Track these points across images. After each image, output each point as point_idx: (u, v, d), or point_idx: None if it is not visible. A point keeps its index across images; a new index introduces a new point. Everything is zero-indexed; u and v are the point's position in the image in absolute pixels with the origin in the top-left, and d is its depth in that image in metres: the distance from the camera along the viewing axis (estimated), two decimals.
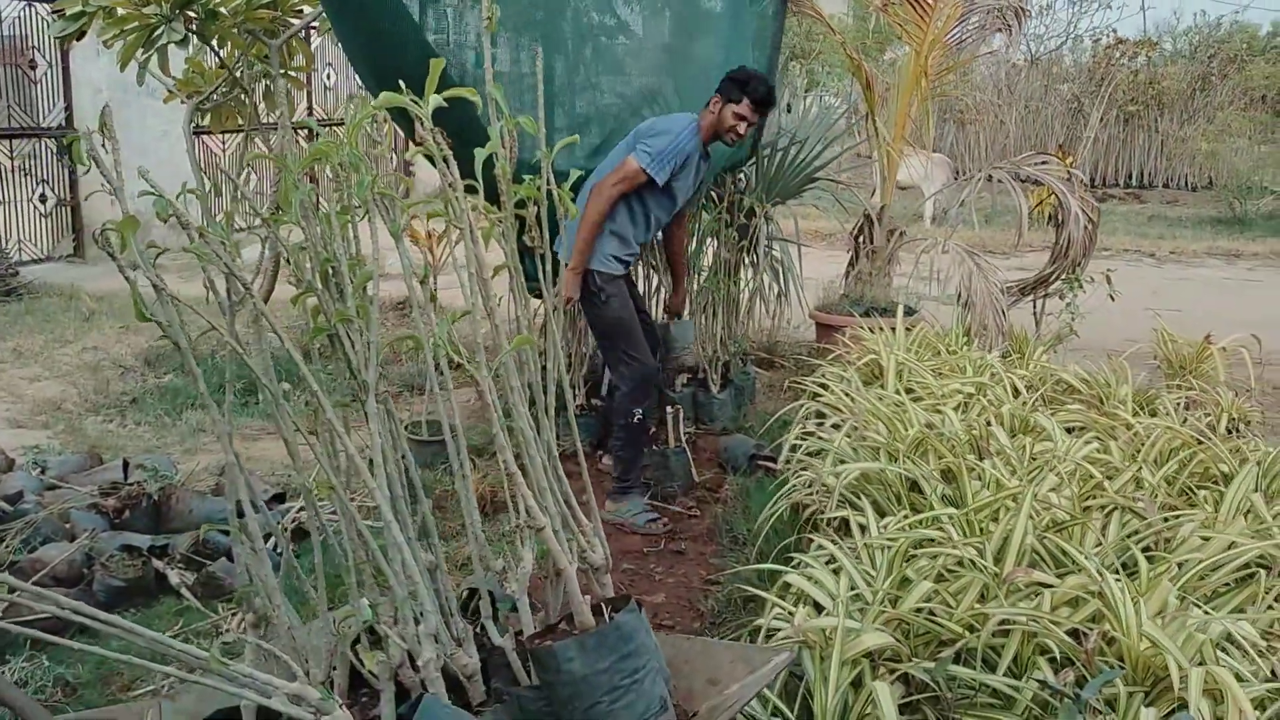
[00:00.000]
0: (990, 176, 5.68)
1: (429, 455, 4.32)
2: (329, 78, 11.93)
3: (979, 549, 2.44)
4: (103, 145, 1.59)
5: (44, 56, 9.10)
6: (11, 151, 8.95)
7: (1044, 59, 17.67)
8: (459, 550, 3.54)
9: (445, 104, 1.52)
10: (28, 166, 9.14)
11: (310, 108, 11.66)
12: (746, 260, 5.62)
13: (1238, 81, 17.49)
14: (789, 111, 12.77)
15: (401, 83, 1.57)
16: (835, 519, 2.93)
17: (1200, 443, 3.22)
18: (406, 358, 5.91)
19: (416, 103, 1.51)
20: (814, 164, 5.84)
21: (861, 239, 6.30)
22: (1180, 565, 2.42)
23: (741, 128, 3.97)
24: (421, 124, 1.50)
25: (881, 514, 2.85)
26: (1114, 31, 17.90)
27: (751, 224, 5.53)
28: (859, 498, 2.93)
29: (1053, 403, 3.88)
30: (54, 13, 5.58)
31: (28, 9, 8.86)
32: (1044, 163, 5.58)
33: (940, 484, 2.91)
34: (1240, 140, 16.47)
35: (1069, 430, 3.50)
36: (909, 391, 3.77)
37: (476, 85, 3.97)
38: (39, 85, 9.14)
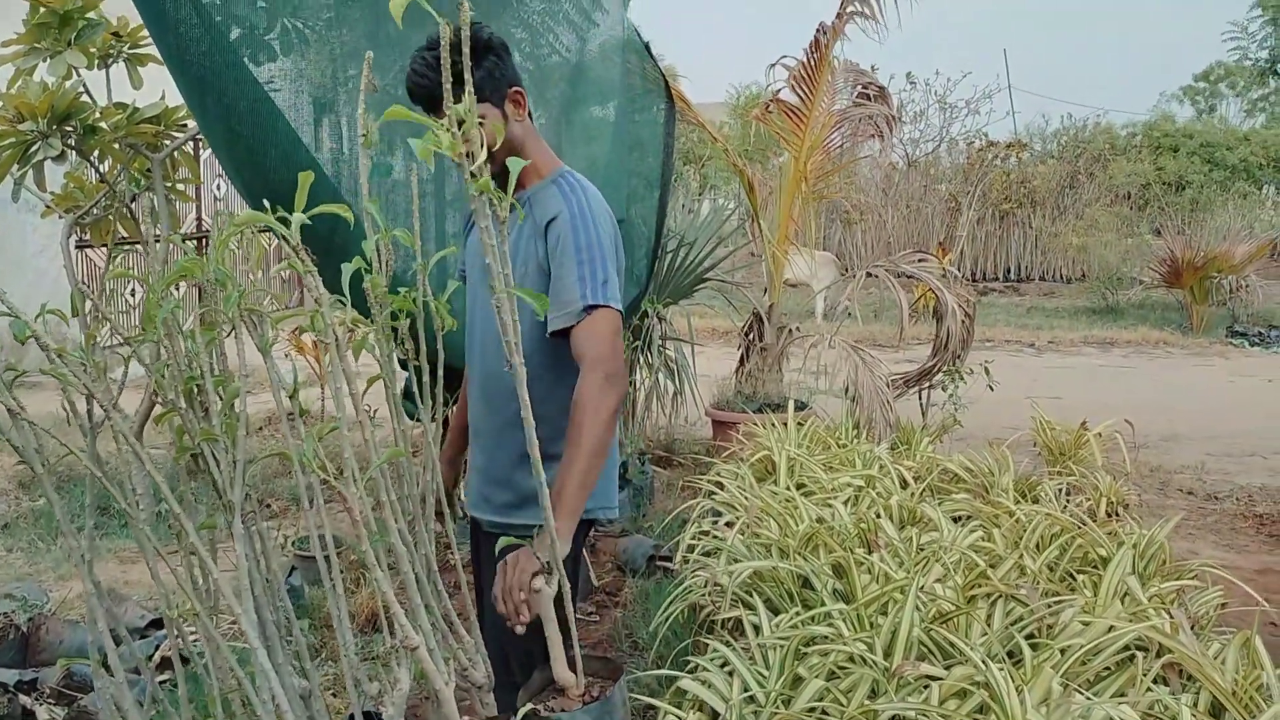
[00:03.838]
0: (871, 274, 5.87)
1: (317, 571, 4.18)
2: (219, 189, 11.83)
3: (868, 644, 2.45)
4: None
5: None
6: None
7: (921, 161, 18.52)
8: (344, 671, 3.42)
9: (310, 221, 1.52)
10: None
11: (199, 220, 11.51)
12: (641, 360, 5.68)
13: (1102, 179, 18.57)
14: (684, 211, 13.06)
15: (266, 201, 1.56)
16: (729, 619, 2.92)
17: (1080, 528, 3.32)
18: (294, 471, 5.77)
19: (283, 220, 1.51)
20: (704, 264, 5.98)
21: (752, 336, 6.43)
22: (1063, 651, 2.47)
23: None
24: (286, 241, 1.49)
25: (775, 612, 2.85)
26: (985, 135, 18.90)
27: (645, 324, 5.61)
28: (752, 596, 2.93)
29: (939, 492, 3.97)
30: None
31: None
32: (922, 260, 5.81)
33: (831, 579, 2.93)
34: (1108, 234, 17.40)
35: (955, 519, 3.57)
36: (800, 486, 3.82)
37: (372, 191, 3.98)
38: None
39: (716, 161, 20.05)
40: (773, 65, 6.29)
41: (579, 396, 2.05)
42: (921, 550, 3.16)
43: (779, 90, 6.23)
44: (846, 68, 6.22)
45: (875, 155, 6.78)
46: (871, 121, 6.07)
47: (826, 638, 2.51)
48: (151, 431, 4.31)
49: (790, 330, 6.25)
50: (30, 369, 1.64)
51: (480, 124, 1.71)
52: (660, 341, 5.75)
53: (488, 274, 1.55)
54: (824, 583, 2.89)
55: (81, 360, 1.60)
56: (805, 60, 5.85)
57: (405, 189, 4.10)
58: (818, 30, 5.82)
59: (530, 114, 2.36)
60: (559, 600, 1.71)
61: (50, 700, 3.26)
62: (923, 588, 2.66)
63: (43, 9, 4.94)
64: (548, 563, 1.70)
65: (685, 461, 6.14)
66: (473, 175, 1.61)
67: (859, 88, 6.23)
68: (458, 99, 1.55)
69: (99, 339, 2.04)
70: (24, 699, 3.19)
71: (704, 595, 3.22)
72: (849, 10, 5.79)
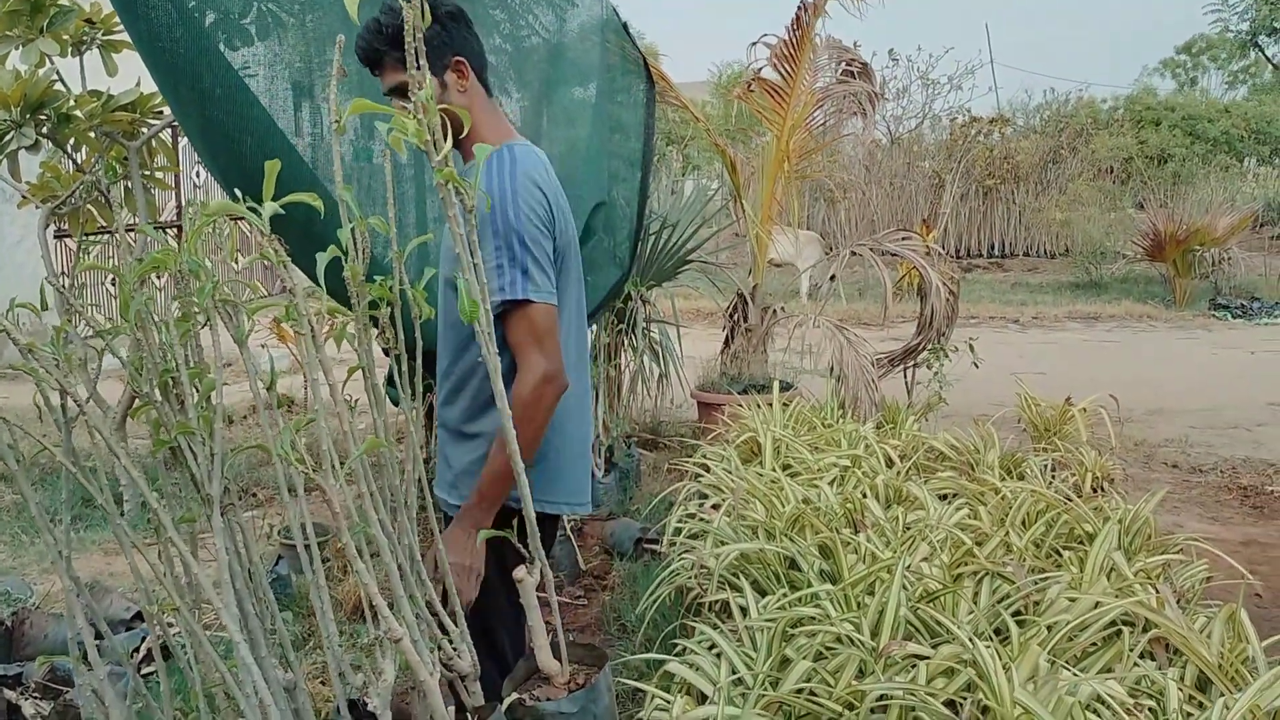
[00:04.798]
0: (855, 253, 5.87)
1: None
2: (198, 175, 11.74)
3: (855, 624, 2.45)
4: None
5: None
6: None
7: (904, 138, 18.51)
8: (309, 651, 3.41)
9: (283, 210, 1.49)
10: None
11: (179, 207, 11.42)
12: (626, 343, 5.67)
13: (1085, 154, 18.59)
14: (668, 193, 13.04)
15: (239, 192, 1.54)
16: (717, 602, 2.92)
17: (1065, 504, 3.33)
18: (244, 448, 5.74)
19: (255, 210, 1.49)
20: (687, 246, 5.96)
21: (736, 317, 6.42)
22: (1049, 628, 2.47)
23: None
24: (261, 232, 1.47)
25: (762, 593, 2.85)
26: (968, 111, 18.90)
27: (629, 307, 5.59)
28: (739, 578, 2.93)
29: (925, 471, 3.97)
30: None
31: None
32: (905, 238, 5.80)
33: (818, 560, 2.93)
34: (1091, 209, 17.44)
35: (941, 498, 3.58)
36: (786, 468, 3.82)
37: (347, 174, 3.92)
38: None
39: (699, 141, 19.99)
40: (754, 43, 6.25)
41: (513, 398, 2.02)
42: (908, 529, 3.17)
43: (760, 69, 6.20)
44: (829, 45, 6.19)
45: (858, 133, 6.75)
46: (854, 99, 6.04)
47: (814, 618, 2.51)
48: (134, 423, 4.27)
49: (775, 311, 6.24)
50: (14, 361, 1.62)
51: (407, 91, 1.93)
52: (644, 324, 5.73)
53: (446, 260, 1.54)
54: (811, 564, 2.89)
55: (54, 354, 1.58)
56: (787, 38, 5.82)
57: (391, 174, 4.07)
58: (799, 7, 5.79)
59: (488, 88, 2.32)
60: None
61: (35, 695, 3.24)
62: (909, 567, 2.67)
63: None
64: (530, 552, 1.69)
65: (671, 444, 6.14)
66: (436, 165, 1.58)
67: (842, 65, 6.20)
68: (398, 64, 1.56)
69: (79, 330, 2.02)
70: (9, 694, 3.17)
71: (691, 578, 3.21)
72: None
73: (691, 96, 6.31)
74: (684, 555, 3.36)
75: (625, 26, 4.75)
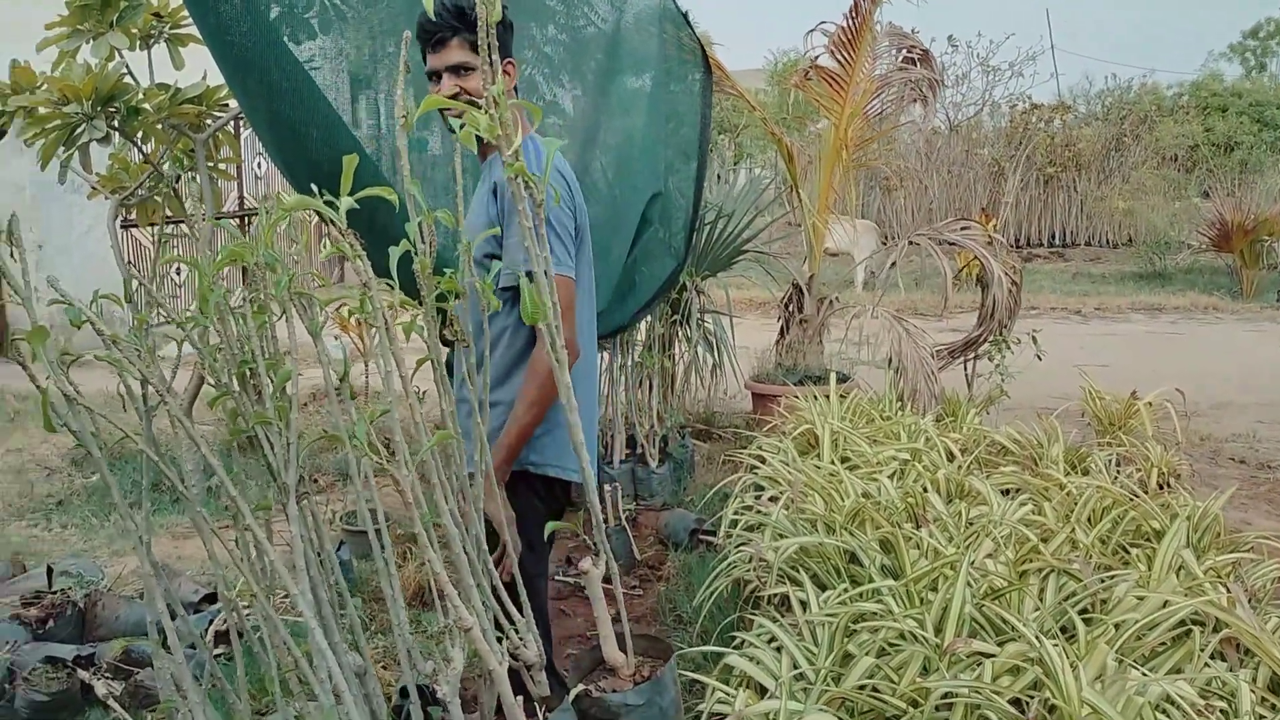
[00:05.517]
0: (914, 242, 5.80)
1: (365, 546, 4.23)
2: (260, 167, 11.91)
3: (919, 620, 2.44)
4: (11, 255, 1.56)
5: None
6: None
7: (963, 125, 18.25)
8: (395, 645, 3.46)
9: (358, 205, 1.51)
10: None
11: (241, 198, 11.60)
12: (679, 333, 5.66)
13: (1149, 141, 18.20)
14: (722, 183, 12.98)
15: (314, 185, 1.56)
16: (776, 595, 2.91)
17: (1132, 500, 3.27)
18: (340, 446, 5.83)
19: (332, 205, 1.51)
20: (743, 235, 5.93)
21: (791, 308, 6.38)
22: (1117, 626, 2.44)
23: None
24: (335, 225, 1.49)
25: (822, 588, 2.84)
26: (1029, 98, 18.57)
27: (683, 297, 5.59)
28: (799, 572, 2.92)
29: (987, 465, 3.93)
30: None
31: None
32: (966, 228, 5.73)
33: (879, 555, 2.91)
34: (1155, 198, 17.08)
35: (1004, 493, 3.53)
36: (845, 460, 3.79)
37: (411, 167, 3.96)
38: None
39: (752, 130, 19.87)
40: (811, 31, 6.20)
41: (530, 360, 2.31)
42: (971, 525, 3.14)
43: (818, 56, 6.15)
44: (888, 31, 6.12)
45: (918, 121, 6.67)
46: (914, 86, 5.97)
47: (876, 614, 2.49)
48: (197, 406, 4.35)
49: (831, 301, 6.19)
50: (82, 348, 1.66)
51: (468, 73, 2.35)
52: (699, 314, 5.72)
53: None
54: (872, 558, 2.87)
55: (136, 344, 1.61)
56: (845, 25, 5.76)
57: (445, 164, 4.08)
58: None
59: (515, 88, 2.54)
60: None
61: (108, 675, 3.33)
62: (973, 563, 2.64)
63: None
64: (596, 544, 1.70)
65: (725, 435, 6.13)
66: (503, 160, 1.59)
67: (902, 52, 6.13)
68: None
69: (149, 319, 2.06)
70: (82, 674, 3.26)
71: (749, 571, 3.21)
72: None
73: (745, 85, 6.26)
74: (741, 547, 3.36)
75: (685, 16, 4.74)
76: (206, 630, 3.29)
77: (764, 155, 18.01)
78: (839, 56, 5.81)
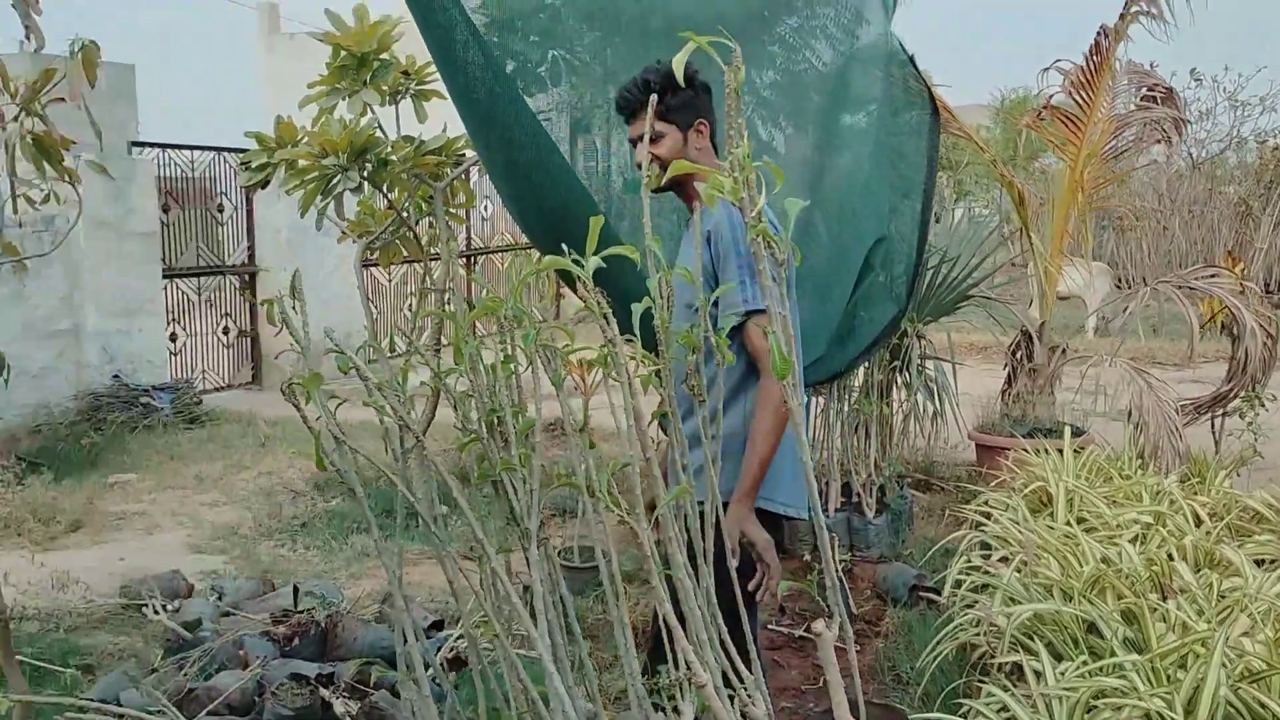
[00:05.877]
0: (1156, 289, 5.47)
1: (580, 583, 4.33)
2: (486, 209, 12.51)
3: (1167, 701, 2.28)
4: (293, 307, 1.70)
5: (230, 200, 9.85)
6: (199, 288, 9.65)
7: (1206, 163, 17.09)
8: (612, 683, 3.51)
9: (599, 261, 1.57)
10: (213, 300, 9.84)
11: (469, 239, 12.22)
12: (899, 379, 5.53)
13: None
14: (937, 222, 12.64)
15: (565, 246, 1.62)
16: (1006, 663, 2.78)
17: None
18: (558, 482, 6.00)
19: (579, 263, 1.57)
20: (968, 280, 5.76)
21: (1020, 355, 6.13)
22: None
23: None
24: (582, 284, 1.54)
25: (1058, 658, 2.70)
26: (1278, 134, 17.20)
27: (903, 343, 5.46)
28: (1032, 639, 2.78)
29: (1239, 533, 3.64)
30: (241, 163, 6.07)
31: (218, 158, 9.64)
32: (1213, 275, 5.35)
33: (1121, 626, 2.74)
34: None
35: (1259, 563, 3.26)
36: (1080, 521, 3.60)
37: (620, 207, 4.05)
38: (225, 227, 9.87)
39: (973, 168, 19.28)
40: (1046, 69, 5.99)
41: (760, 390, 2.52)
42: (1223, 598, 2.91)
43: (1052, 95, 5.92)
44: (1128, 69, 5.83)
45: (1161, 161, 6.30)
46: (1157, 126, 5.65)
47: (1119, 691, 2.35)
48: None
49: (1063, 350, 5.91)
50: (328, 375, 1.77)
51: (659, 139, 2.65)
52: (919, 360, 5.57)
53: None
54: (1113, 630, 2.70)
55: (396, 392, 1.72)
56: (1084, 64, 5.52)
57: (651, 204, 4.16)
58: (1098, 33, 5.48)
59: (715, 147, 2.78)
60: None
61: (345, 694, 3.53)
62: (1228, 641, 2.44)
63: (344, 52, 5.40)
64: (830, 606, 1.68)
65: (946, 487, 5.92)
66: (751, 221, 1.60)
67: (1142, 90, 5.82)
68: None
69: (385, 352, 2.20)
70: (323, 692, 3.46)
71: (977, 635, 3.08)
72: (1133, 10, 5.42)
73: (966, 120, 6.09)
74: (968, 609, 3.23)
75: (912, 59, 4.67)
76: (436, 655, 3.43)
77: (987, 194, 17.44)
78: (1076, 96, 5.57)
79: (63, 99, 3.54)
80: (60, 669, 3.78)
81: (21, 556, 4.90)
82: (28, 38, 3.49)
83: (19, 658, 3.35)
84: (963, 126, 5.66)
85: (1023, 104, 20.09)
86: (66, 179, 3.59)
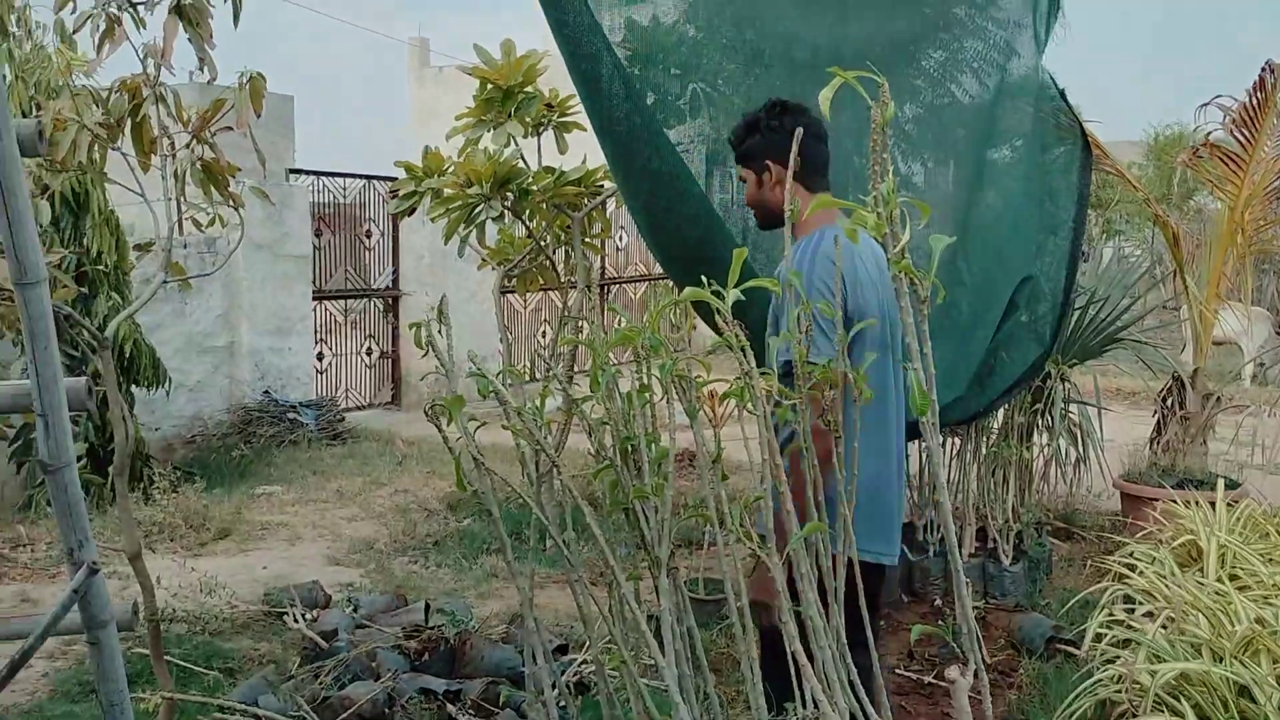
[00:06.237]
0: None
1: (704, 615, 4.31)
2: (620, 239, 12.67)
3: None
4: (439, 330, 1.76)
5: (377, 226, 10.25)
6: (345, 310, 10.05)
7: None
8: (734, 718, 3.48)
9: (744, 296, 1.57)
10: (358, 322, 10.23)
11: (603, 268, 12.40)
12: (1040, 423, 5.35)
13: None
14: (1085, 262, 12.22)
15: (705, 278, 1.64)
16: None
17: None
18: (687, 513, 6.00)
19: (719, 294, 1.58)
20: (1116, 322, 5.55)
21: (1170, 402, 5.86)
22: None
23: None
24: (720, 315, 1.56)
25: None
26: None
27: (1047, 385, 5.29)
28: (1179, 700, 2.65)
29: None
30: (390, 192, 6.32)
31: (367, 185, 10.05)
32: None
33: (1276, 691, 2.58)
34: None
35: None
36: (1233, 579, 3.41)
37: (756, 240, 4.05)
38: (372, 252, 10.27)
39: (1122, 206, 18.57)
40: (1204, 105, 5.74)
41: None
42: None
43: (1210, 132, 5.67)
44: None
45: None
46: None
47: None
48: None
49: (1218, 399, 5.62)
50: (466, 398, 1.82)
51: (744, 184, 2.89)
52: (1063, 404, 5.38)
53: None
54: (1268, 695, 2.55)
55: (534, 414, 1.75)
56: (1247, 100, 5.28)
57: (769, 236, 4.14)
58: (1264, 69, 5.23)
59: (809, 185, 2.78)
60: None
61: (471, 711, 3.59)
62: None
63: (490, 85, 5.58)
64: (965, 652, 1.64)
65: (1088, 536, 5.69)
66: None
67: None
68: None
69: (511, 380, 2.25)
70: (450, 708, 3.54)
71: (1118, 691, 2.95)
72: None
73: (1116, 158, 5.87)
74: (1108, 665, 3.09)
75: (1063, 94, 4.55)
76: (560, 678, 3.47)
77: (1138, 234, 16.77)
78: (1238, 134, 5.33)
79: (230, 128, 3.77)
80: (204, 671, 3.97)
81: (174, 560, 5.17)
82: (201, 69, 3.73)
83: (167, 658, 3.53)
84: (1114, 163, 5.48)
85: (1177, 141, 19.27)
86: (230, 203, 3.82)
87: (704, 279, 1.65)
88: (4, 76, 1.45)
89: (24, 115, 6.17)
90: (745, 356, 1.60)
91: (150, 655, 3.38)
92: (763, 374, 1.74)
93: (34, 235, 1.58)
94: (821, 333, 2.29)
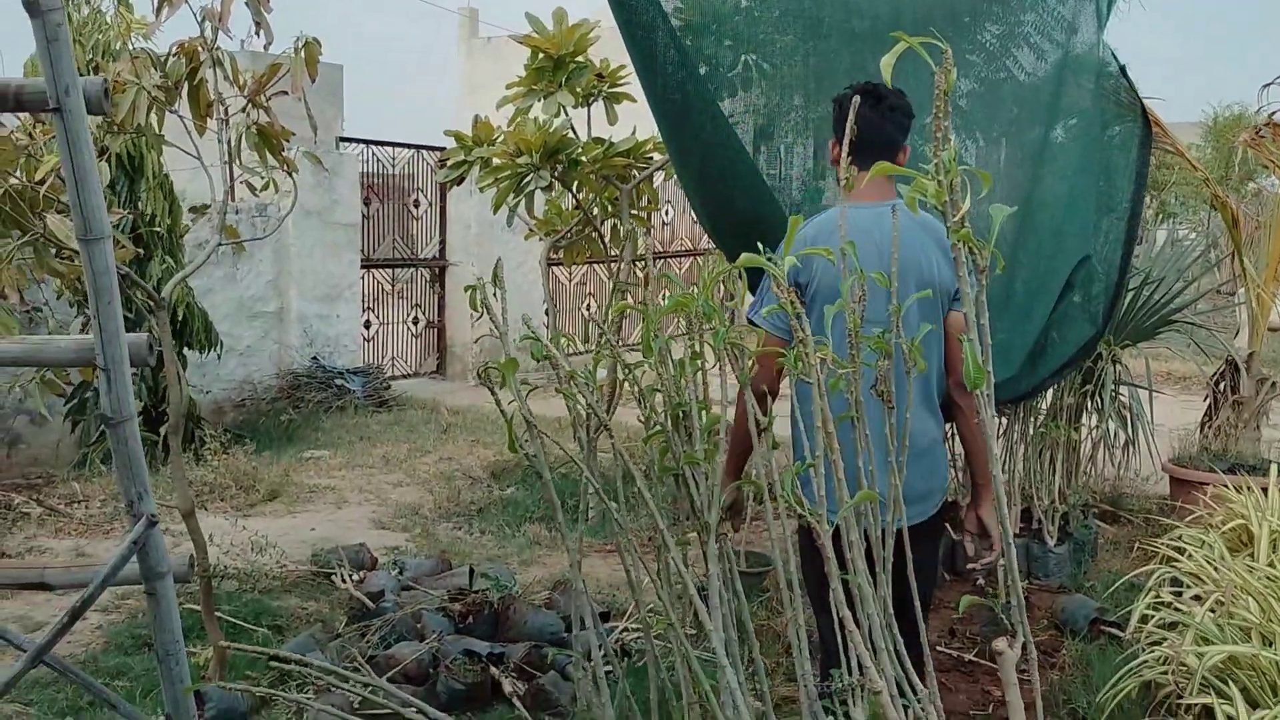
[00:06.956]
0: None
1: (748, 587, 4.32)
2: (667, 214, 12.64)
3: None
4: (494, 295, 1.77)
5: (425, 196, 10.30)
6: (393, 278, 10.13)
7: None
8: (774, 689, 3.49)
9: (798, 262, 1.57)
10: (404, 292, 10.31)
11: (650, 242, 12.36)
12: (1089, 404, 5.29)
13: None
14: (1140, 243, 12.02)
15: (760, 244, 1.64)
16: (1195, 705, 2.63)
17: None
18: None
19: (773, 260, 1.58)
20: (1170, 304, 5.46)
21: (1223, 386, 5.76)
22: None
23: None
24: (777, 283, 1.55)
25: (1253, 705, 2.54)
26: None
27: (1098, 366, 5.22)
28: (1226, 684, 2.62)
29: None
30: (440, 161, 6.35)
31: (416, 155, 10.10)
32: None
33: None
34: None
35: None
36: None
37: (810, 213, 4.02)
38: (419, 221, 10.33)
39: (1178, 188, 18.24)
40: (1267, 85, 5.62)
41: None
42: None
43: (1274, 113, 5.55)
44: None
45: None
46: None
47: None
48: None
49: (1273, 384, 5.52)
50: (547, 382, 1.84)
51: None
52: (1113, 385, 5.30)
53: None
54: None
55: (586, 379, 1.77)
56: None
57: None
58: None
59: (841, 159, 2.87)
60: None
61: (514, 675, 3.64)
62: None
63: (541, 54, 5.57)
64: (1014, 624, 1.63)
65: (1135, 519, 5.62)
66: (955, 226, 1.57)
67: None
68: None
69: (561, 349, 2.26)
70: (494, 670, 3.59)
71: (1163, 673, 2.93)
72: None
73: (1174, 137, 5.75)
74: (1153, 647, 3.07)
75: (1124, 70, 4.45)
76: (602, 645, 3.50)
77: (1194, 216, 16.45)
78: None
79: (284, 92, 3.80)
80: (253, 627, 4.05)
81: (225, 519, 5.26)
82: (258, 33, 3.75)
83: (217, 614, 3.61)
84: (1175, 142, 5.36)
85: (1237, 122, 18.85)
86: (284, 168, 3.86)
87: (761, 246, 1.65)
88: (69, 32, 1.48)
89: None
90: (801, 324, 1.59)
91: (202, 610, 3.47)
92: (818, 343, 1.74)
93: (99, 192, 1.61)
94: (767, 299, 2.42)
